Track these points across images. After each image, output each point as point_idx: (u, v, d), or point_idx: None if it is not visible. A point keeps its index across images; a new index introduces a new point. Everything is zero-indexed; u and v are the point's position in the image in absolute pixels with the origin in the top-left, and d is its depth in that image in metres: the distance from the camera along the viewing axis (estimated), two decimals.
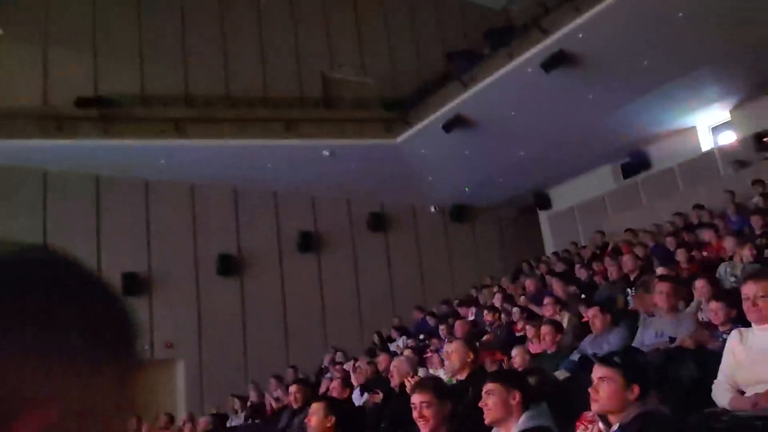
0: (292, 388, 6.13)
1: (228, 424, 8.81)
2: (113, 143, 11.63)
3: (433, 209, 15.69)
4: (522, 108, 11.72)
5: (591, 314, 5.05)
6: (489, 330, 7.71)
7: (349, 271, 14.30)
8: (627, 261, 7.22)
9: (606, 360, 2.52)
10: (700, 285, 5.11)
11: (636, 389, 2.38)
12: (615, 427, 2.36)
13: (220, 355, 12.33)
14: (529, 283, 9.36)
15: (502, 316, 8.01)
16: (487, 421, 2.68)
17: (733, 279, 5.75)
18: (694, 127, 13.17)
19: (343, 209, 14.62)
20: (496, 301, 9.50)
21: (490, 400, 2.69)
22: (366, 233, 14.71)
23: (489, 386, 2.73)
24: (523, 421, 2.62)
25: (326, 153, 12.65)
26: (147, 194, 12.58)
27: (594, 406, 2.43)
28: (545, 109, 11.65)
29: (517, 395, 2.68)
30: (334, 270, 14.08)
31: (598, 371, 2.46)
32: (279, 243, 13.71)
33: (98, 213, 12.10)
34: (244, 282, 13.15)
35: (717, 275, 6.35)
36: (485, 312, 7.76)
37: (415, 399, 2.94)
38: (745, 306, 2.79)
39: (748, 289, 2.78)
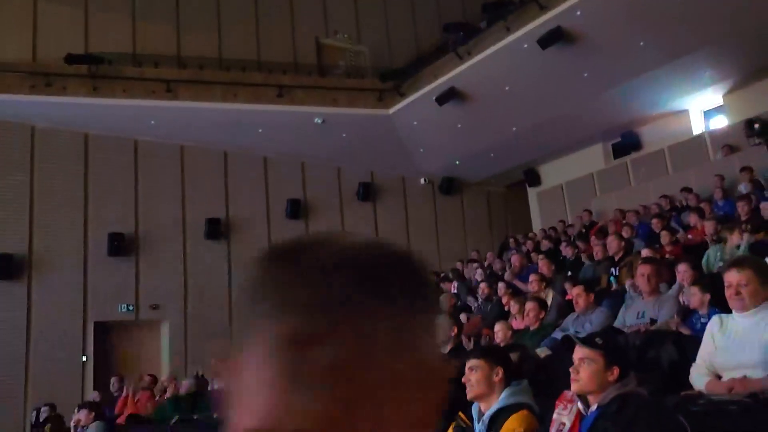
0: None
1: (209, 388, 8.85)
2: (102, 102, 11.49)
3: (423, 181, 15.69)
4: (516, 83, 11.67)
5: (575, 293, 5.11)
6: (473, 306, 7.80)
7: None
8: (612, 241, 7.29)
9: (588, 341, 2.55)
10: (682, 269, 5.16)
11: (616, 371, 2.42)
12: (594, 407, 2.40)
13: (204, 317, 12.35)
14: (515, 259, 9.43)
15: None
16: (469, 397, 2.72)
17: (722, 264, 5.81)
18: (686, 111, 13.18)
19: (333, 178, 14.58)
20: (478, 276, 9.61)
21: (474, 376, 2.72)
22: (355, 202, 14.71)
23: (473, 362, 2.76)
24: (504, 397, 2.66)
25: (318, 121, 12.58)
26: (136, 155, 12.48)
27: (574, 386, 2.46)
28: (539, 86, 11.61)
29: (500, 372, 2.72)
30: None
31: (579, 352, 2.50)
32: (267, 209, 13.69)
33: (86, 172, 12.00)
34: (232, 247, 13.15)
35: (705, 258, 6.43)
36: (482, 285, 7.80)
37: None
38: (728, 293, 2.84)
39: (731, 277, 2.82)
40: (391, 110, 12.94)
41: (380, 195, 15.12)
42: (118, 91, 11.60)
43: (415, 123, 13.09)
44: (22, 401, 10.61)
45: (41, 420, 8.88)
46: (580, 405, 2.45)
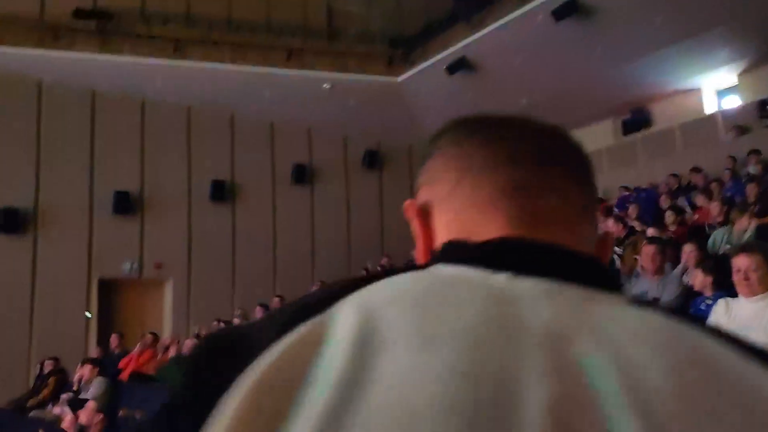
0: None
1: None
2: (110, 58, 11.40)
3: None
4: (528, 55, 11.52)
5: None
6: None
7: (341, 207, 14.33)
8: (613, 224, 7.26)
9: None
10: (688, 249, 5.16)
11: None
12: None
13: (208, 279, 12.45)
14: None
15: None
16: None
17: (728, 247, 5.80)
18: (699, 89, 13.03)
19: (339, 145, 14.53)
20: None
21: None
22: (360, 170, 14.67)
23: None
24: None
25: (326, 86, 12.48)
26: (143, 113, 12.42)
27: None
28: (552, 59, 11.47)
29: None
30: (326, 204, 14.10)
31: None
32: (273, 173, 13.67)
33: (93, 128, 11.96)
34: (236, 209, 13.17)
35: (712, 240, 6.41)
36: None
37: None
38: (736, 278, 2.83)
39: (740, 262, 2.81)
40: (400, 78, 12.81)
41: (386, 163, 15.07)
42: (125, 49, 11.50)
43: (424, 92, 12.98)
44: (27, 354, 10.74)
45: (45, 373, 8.98)
46: None
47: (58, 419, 6.98)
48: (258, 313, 8.87)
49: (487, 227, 0.59)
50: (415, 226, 0.65)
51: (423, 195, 0.67)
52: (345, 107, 13.06)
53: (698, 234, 6.82)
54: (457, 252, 0.57)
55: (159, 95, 12.33)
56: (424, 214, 0.65)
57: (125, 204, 11.90)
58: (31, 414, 7.83)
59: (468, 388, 0.41)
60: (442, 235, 0.62)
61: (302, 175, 13.81)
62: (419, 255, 0.65)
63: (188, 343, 8.64)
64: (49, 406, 8.02)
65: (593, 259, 0.58)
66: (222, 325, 9.38)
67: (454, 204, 0.62)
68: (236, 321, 9.24)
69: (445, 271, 0.54)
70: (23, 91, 11.41)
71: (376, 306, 0.47)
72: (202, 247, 12.58)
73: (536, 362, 0.43)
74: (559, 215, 0.60)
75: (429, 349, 0.43)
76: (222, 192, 12.91)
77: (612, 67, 11.57)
